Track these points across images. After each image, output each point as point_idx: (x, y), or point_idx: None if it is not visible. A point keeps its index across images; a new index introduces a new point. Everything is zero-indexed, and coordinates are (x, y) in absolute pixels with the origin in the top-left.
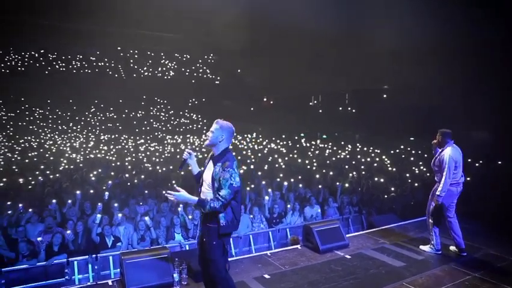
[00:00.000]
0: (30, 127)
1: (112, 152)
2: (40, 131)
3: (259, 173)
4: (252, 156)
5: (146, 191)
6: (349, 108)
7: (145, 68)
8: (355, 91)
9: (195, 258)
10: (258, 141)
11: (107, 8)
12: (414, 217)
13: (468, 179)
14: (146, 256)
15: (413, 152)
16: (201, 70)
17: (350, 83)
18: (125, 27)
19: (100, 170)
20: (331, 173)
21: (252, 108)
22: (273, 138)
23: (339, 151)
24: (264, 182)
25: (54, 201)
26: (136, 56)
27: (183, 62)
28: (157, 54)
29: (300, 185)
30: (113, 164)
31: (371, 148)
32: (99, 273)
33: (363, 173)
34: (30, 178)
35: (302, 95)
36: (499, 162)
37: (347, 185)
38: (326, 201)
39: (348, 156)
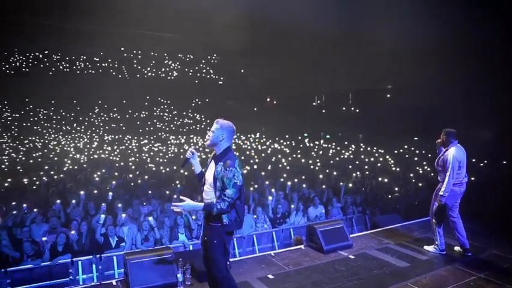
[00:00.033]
0: (35, 128)
1: (115, 153)
2: (44, 131)
3: (263, 173)
4: (256, 156)
5: (149, 191)
6: (352, 108)
7: (148, 69)
8: (358, 91)
9: (199, 259)
10: (262, 141)
11: (110, 9)
12: (419, 217)
13: (472, 178)
14: (150, 256)
15: (417, 151)
16: (204, 70)
17: (353, 83)
18: (128, 28)
19: (103, 171)
20: (334, 173)
21: (255, 109)
22: (277, 138)
23: (343, 151)
24: (267, 182)
25: (58, 201)
26: (139, 57)
27: (186, 63)
28: (160, 55)
29: (304, 185)
30: (116, 165)
31: (375, 148)
32: (103, 273)
33: (367, 173)
34: (34, 178)
35: (305, 95)
36: (504, 162)
37: (350, 185)
38: (330, 202)
39: (351, 156)
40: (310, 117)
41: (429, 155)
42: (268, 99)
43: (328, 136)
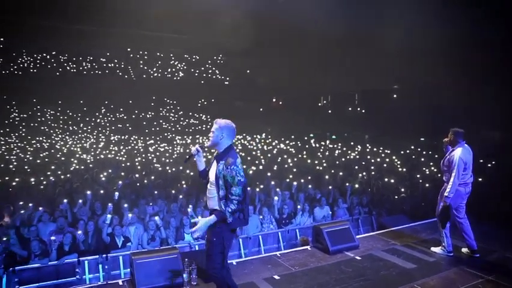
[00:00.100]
0: (42, 128)
1: (122, 153)
2: (51, 131)
3: (269, 174)
4: (262, 157)
5: (156, 192)
6: (358, 109)
7: (154, 69)
8: (364, 91)
9: (205, 259)
10: (268, 141)
11: (116, 10)
12: (425, 218)
13: (480, 179)
14: (156, 256)
15: (424, 152)
16: (210, 71)
17: (359, 83)
18: (134, 29)
19: (110, 171)
20: (341, 173)
21: (261, 109)
22: (283, 139)
23: (349, 151)
24: (273, 183)
25: (65, 200)
26: (145, 57)
27: (192, 63)
28: (166, 55)
29: (310, 186)
30: (123, 165)
31: (381, 148)
32: (109, 273)
33: (373, 173)
34: (42, 178)
35: (311, 96)
36: None
37: (356, 185)
38: (336, 202)
39: (358, 157)
40: (316, 118)
41: (436, 156)
42: (274, 100)
43: (334, 136)
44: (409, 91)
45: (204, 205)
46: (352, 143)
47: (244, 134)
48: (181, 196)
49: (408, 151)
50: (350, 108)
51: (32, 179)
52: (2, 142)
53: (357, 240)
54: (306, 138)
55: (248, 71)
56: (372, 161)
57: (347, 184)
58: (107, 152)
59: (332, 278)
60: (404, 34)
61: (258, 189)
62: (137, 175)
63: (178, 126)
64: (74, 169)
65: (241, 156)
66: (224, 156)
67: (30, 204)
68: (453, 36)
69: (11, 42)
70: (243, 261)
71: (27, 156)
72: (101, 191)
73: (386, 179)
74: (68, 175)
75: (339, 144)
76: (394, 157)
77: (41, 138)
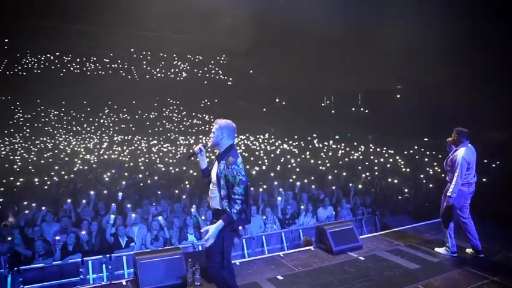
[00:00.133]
0: (46, 128)
1: (125, 153)
2: (55, 132)
3: (272, 174)
4: (265, 157)
5: (159, 192)
6: (362, 109)
7: (157, 70)
8: (367, 91)
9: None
10: (271, 141)
11: (120, 10)
12: (429, 218)
13: (484, 180)
14: (160, 256)
15: (427, 152)
16: (213, 71)
17: (360, 84)
18: (136, 29)
19: (113, 171)
20: (344, 173)
21: (264, 109)
22: (286, 139)
23: (352, 152)
24: (276, 183)
25: (69, 200)
26: (148, 58)
27: (195, 63)
28: (169, 56)
29: (313, 186)
30: (126, 165)
31: (384, 148)
32: (113, 273)
33: (377, 173)
34: (45, 178)
35: (314, 96)
36: None
37: (360, 186)
38: (339, 202)
39: (361, 157)
40: (319, 118)
41: (440, 156)
42: (277, 100)
43: (337, 137)
44: (409, 91)
45: (207, 205)
46: (355, 143)
47: (247, 134)
48: (184, 196)
49: (411, 151)
50: (353, 109)
51: (36, 179)
52: (6, 142)
53: (361, 241)
54: (309, 138)
55: (251, 71)
56: (376, 161)
57: (350, 184)
58: (111, 152)
59: (336, 279)
60: (404, 34)
61: (261, 190)
62: (140, 175)
63: (181, 126)
64: (77, 169)
65: (244, 157)
66: (225, 155)
67: (34, 204)
68: (453, 36)
69: (15, 43)
70: (247, 261)
71: (31, 156)
72: (105, 191)
73: (390, 179)
74: (72, 175)
75: (343, 145)
76: (398, 157)
77: (45, 139)
